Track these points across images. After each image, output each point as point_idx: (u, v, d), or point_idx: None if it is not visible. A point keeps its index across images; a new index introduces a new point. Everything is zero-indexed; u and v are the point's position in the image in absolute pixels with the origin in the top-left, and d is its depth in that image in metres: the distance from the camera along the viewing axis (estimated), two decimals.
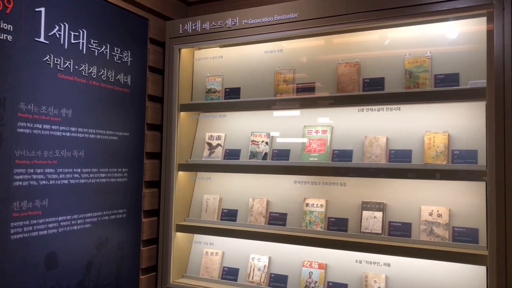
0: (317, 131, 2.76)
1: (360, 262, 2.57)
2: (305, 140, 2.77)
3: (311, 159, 2.70)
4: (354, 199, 2.64)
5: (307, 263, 2.69)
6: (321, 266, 2.65)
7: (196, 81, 3.21)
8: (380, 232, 2.49)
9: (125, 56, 2.83)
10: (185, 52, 3.10)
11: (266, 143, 2.89)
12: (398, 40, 2.61)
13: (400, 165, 2.44)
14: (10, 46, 2.12)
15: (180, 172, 3.04)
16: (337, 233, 2.59)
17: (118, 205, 2.77)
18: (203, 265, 2.99)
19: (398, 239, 2.44)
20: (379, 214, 2.52)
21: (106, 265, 2.67)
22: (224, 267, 2.95)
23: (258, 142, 2.91)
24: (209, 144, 3.09)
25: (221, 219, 2.98)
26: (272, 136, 2.91)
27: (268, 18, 2.73)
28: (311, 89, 2.78)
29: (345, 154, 2.64)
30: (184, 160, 3.08)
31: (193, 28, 2.98)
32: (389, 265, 2.50)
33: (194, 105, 3.09)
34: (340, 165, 2.57)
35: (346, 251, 2.55)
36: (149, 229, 3.00)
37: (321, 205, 2.68)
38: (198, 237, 3.12)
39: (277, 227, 2.77)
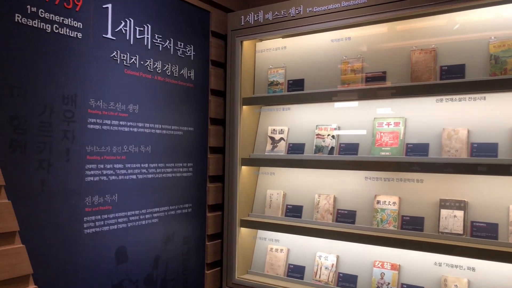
0: (388, 124, 2.58)
1: (440, 265, 2.38)
2: (375, 133, 2.60)
3: (383, 153, 2.53)
4: (430, 196, 2.45)
5: (378, 264, 2.54)
6: (394, 267, 2.49)
7: (258, 74, 3.13)
8: (461, 232, 2.28)
9: (188, 51, 2.81)
10: (246, 44, 3.03)
11: (333, 136, 2.75)
12: (480, 22, 2.37)
13: (484, 160, 2.22)
14: (80, 43, 2.15)
15: (243, 167, 2.99)
16: (412, 232, 2.42)
17: (184, 200, 2.77)
18: (268, 261, 2.93)
19: (482, 241, 2.23)
20: (459, 213, 2.31)
21: (173, 259, 2.68)
22: (289, 264, 2.87)
23: (323, 135, 2.79)
24: (272, 138, 3.01)
25: (286, 215, 2.89)
26: (339, 129, 2.77)
27: (335, 5, 2.58)
28: (382, 78, 2.60)
29: (420, 148, 2.45)
30: (247, 155, 3.02)
31: (255, 19, 2.90)
32: (473, 269, 2.30)
33: (257, 98, 3.01)
34: (416, 160, 2.39)
35: (421, 252, 2.37)
36: (214, 224, 2.98)
37: (394, 203, 2.51)
38: (262, 233, 3.06)
39: (346, 225, 2.64)
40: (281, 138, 2.97)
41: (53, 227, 2.03)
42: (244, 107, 3.01)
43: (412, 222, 2.45)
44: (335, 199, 2.73)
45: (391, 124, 2.57)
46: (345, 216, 2.67)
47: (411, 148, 2.47)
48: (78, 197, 2.14)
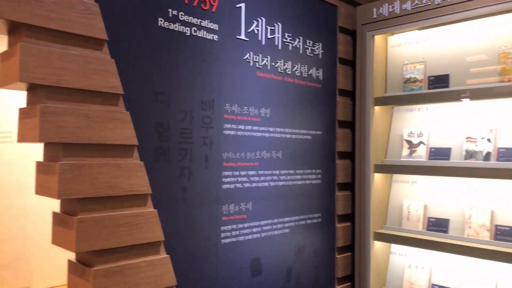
0: None
1: None
2: None
3: None
4: None
5: None
6: None
7: (390, 71, 2.84)
8: None
9: (317, 49, 2.63)
10: (377, 39, 2.76)
11: (488, 140, 2.37)
12: None
13: None
14: (216, 46, 2.07)
15: (375, 174, 2.72)
16: None
17: (313, 209, 2.59)
18: (406, 279, 2.62)
19: None
20: None
21: (304, 272, 2.51)
22: (433, 285, 2.53)
23: (476, 139, 2.41)
24: (409, 142, 2.70)
25: (428, 229, 2.56)
26: (496, 131, 2.38)
27: None
28: None
29: None
30: (379, 160, 2.75)
31: (390, 10, 2.62)
32: None
33: (391, 98, 2.73)
34: None
35: None
36: (344, 236, 2.75)
37: None
38: (396, 247, 2.76)
39: (508, 245, 2.24)
40: (420, 142, 2.65)
41: (194, 237, 1.96)
42: (376, 107, 2.74)
43: None
44: (492, 213, 2.35)
45: None
46: (507, 233, 2.28)
47: None
48: (216, 206, 2.05)
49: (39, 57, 1.48)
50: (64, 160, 1.56)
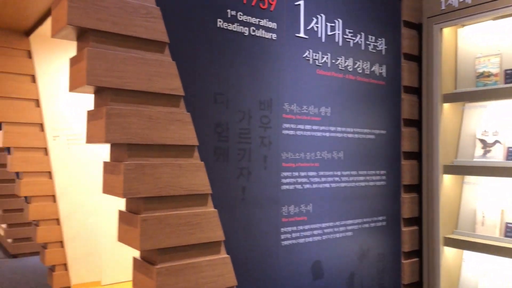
0: None
1: None
2: None
3: None
4: None
5: None
6: None
7: (460, 65, 2.65)
8: None
9: (380, 44, 2.52)
10: (446, 31, 2.59)
11: None
12: None
13: None
14: (274, 44, 2.05)
15: (444, 175, 2.55)
16: None
17: (377, 212, 2.48)
18: None
19: None
20: None
21: (367, 278, 2.41)
22: None
23: None
24: (483, 141, 2.50)
25: (506, 236, 2.36)
26: None
27: None
28: None
29: None
30: (449, 161, 2.57)
31: (461, 0, 2.44)
32: None
33: (462, 94, 2.54)
34: None
35: None
36: (410, 240, 2.61)
37: None
38: (469, 255, 2.56)
39: None
40: (496, 141, 2.45)
41: (253, 238, 1.95)
42: (445, 105, 2.57)
43: None
44: None
45: None
46: None
47: None
48: (275, 207, 2.03)
49: (104, 61, 1.54)
50: (129, 160, 1.61)
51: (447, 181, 2.57)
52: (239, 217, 1.90)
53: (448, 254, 2.54)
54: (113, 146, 1.71)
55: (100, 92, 1.65)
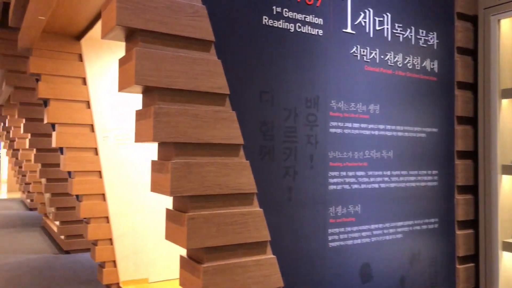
0: None
1: None
2: None
3: None
4: None
5: None
6: None
7: None
8: None
9: (431, 39, 2.40)
10: (504, 23, 2.44)
11: None
12: None
13: None
14: (320, 40, 2.00)
15: (503, 176, 2.40)
16: None
17: (429, 214, 2.36)
18: None
19: None
20: None
21: (419, 282, 2.30)
22: None
23: None
24: None
25: None
26: None
27: None
28: None
29: None
30: (508, 161, 2.42)
31: None
32: None
33: None
34: None
35: None
36: (465, 244, 2.47)
37: None
38: None
39: None
40: None
41: (299, 238, 1.91)
42: (503, 100, 2.42)
43: None
44: None
45: None
46: None
47: None
48: (322, 207, 1.98)
49: (152, 61, 1.56)
50: (176, 159, 1.62)
51: (506, 182, 2.42)
52: (285, 217, 1.87)
53: (506, 259, 2.39)
54: (161, 145, 1.72)
55: (148, 92, 1.67)
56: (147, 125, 1.60)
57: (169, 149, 1.65)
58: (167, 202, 3.56)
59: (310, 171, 1.94)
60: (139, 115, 1.69)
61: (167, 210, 1.78)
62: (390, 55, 2.24)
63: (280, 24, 1.89)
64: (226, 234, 1.69)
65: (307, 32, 1.96)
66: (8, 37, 4.90)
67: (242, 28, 1.79)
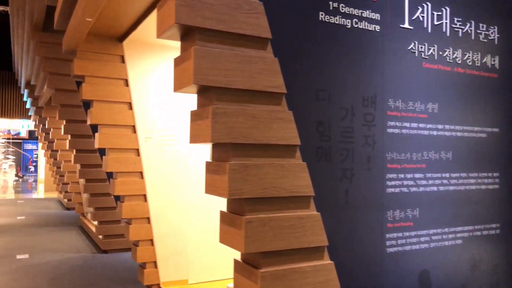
0: None
1: None
2: None
3: None
4: None
5: None
6: None
7: None
8: None
9: (492, 33, 2.27)
10: None
11: None
12: None
13: None
14: (377, 37, 1.91)
15: None
16: None
17: (490, 219, 2.23)
18: None
19: None
20: None
21: None
22: None
23: None
24: None
25: None
26: None
27: None
28: None
29: None
30: None
31: None
32: None
33: None
34: None
35: None
36: None
37: None
38: None
39: None
40: None
41: (356, 243, 1.83)
42: None
43: None
44: None
45: None
46: None
47: None
48: (379, 211, 1.89)
49: (210, 60, 1.52)
50: (233, 160, 1.57)
51: None
52: (342, 221, 1.79)
53: None
54: (216, 146, 1.68)
55: (204, 92, 1.63)
56: (204, 125, 1.56)
57: (226, 150, 1.60)
58: (209, 203, 3.53)
59: (367, 173, 1.86)
60: (195, 115, 1.65)
61: (222, 212, 1.73)
62: (449, 51, 2.12)
63: (336, 20, 1.81)
64: (283, 238, 1.63)
65: (364, 28, 1.88)
66: (50, 40, 5.00)
67: (299, 24, 1.72)
